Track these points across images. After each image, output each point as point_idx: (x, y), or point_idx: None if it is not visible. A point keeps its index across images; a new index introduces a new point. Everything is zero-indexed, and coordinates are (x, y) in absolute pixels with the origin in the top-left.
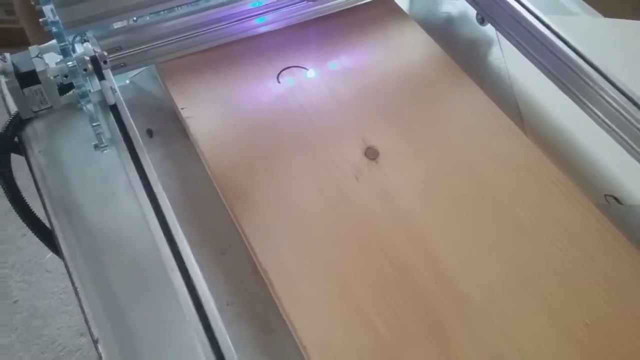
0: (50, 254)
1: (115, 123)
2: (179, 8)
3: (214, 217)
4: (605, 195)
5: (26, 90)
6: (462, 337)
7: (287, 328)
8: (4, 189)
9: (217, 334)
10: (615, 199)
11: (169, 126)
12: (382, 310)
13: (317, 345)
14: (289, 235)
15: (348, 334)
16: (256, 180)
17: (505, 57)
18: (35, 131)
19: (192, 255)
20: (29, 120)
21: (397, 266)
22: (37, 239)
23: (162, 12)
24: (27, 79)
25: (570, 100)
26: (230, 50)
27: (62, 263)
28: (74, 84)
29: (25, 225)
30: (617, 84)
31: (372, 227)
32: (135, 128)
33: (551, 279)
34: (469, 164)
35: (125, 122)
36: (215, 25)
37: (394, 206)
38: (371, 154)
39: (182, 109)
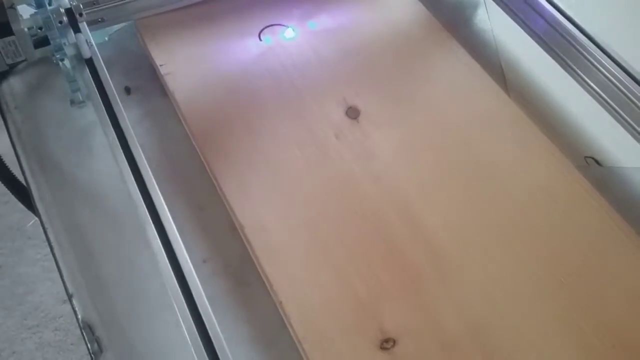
0: (32, 221)
1: (91, 78)
2: None
3: (192, 175)
4: (585, 157)
5: None
6: (438, 292)
7: (263, 283)
8: None
9: (192, 288)
10: (595, 160)
11: (147, 84)
12: (358, 266)
13: (292, 300)
14: (267, 191)
15: (324, 289)
16: (235, 138)
17: (491, 18)
18: (10, 87)
19: (167, 211)
20: (4, 75)
21: (374, 223)
22: (19, 206)
23: None
24: (0, 30)
25: (553, 62)
26: (211, 8)
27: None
28: (49, 37)
29: (7, 192)
30: (604, 46)
31: (350, 185)
32: (111, 83)
33: (529, 237)
34: (450, 123)
35: (102, 77)
36: None
37: (373, 165)
38: (352, 113)
39: (160, 65)
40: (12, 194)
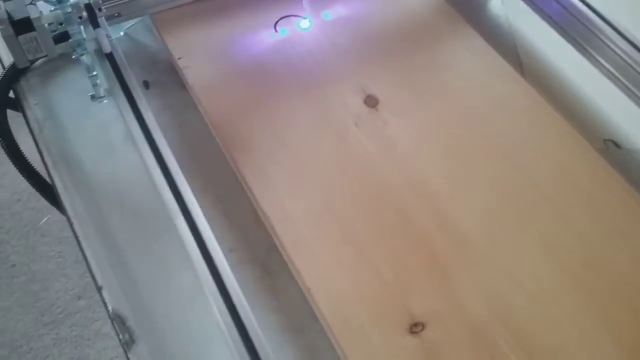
0: (45, 218)
1: (112, 72)
2: None
3: (213, 167)
4: (604, 139)
5: (21, 38)
6: (464, 277)
7: (289, 272)
8: (1, 145)
9: (224, 277)
10: (614, 143)
11: (165, 78)
12: (384, 253)
13: (320, 287)
14: (290, 180)
15: (350, 276)
16: (255, 128)
17: (504, 3)
18: (29, 84)
19: (195, 201)
20: (23, 72)
21: (398, 210)
22: (32, 204)
23: None
24: (21, 26)
25: (568, 45)
26: (226, 1)
27: (58, 227)
28: (69, 32)
29: (20, 190)
30: (619, 28)
31: (372, 173)
32: (132, 76)
33: (552, 220)
34: (468, 108)
35: (123, 71)
36: None
37: (393, 152)
38: (371, 101)
39: (179, 59)
40: (37, 190)
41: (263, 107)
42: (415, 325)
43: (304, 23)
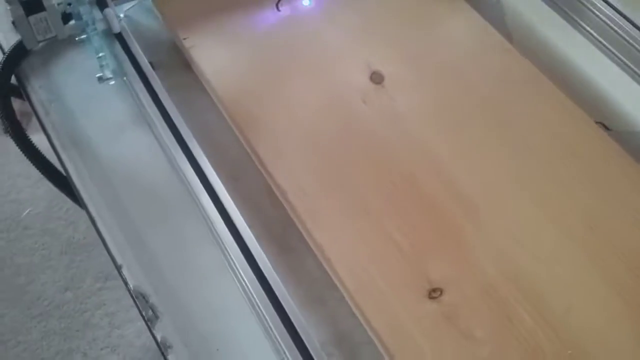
0: (27, 211)
1: (122, 52)
2: None
3: (223, 146)
4: (595, 122)
5: (31, 18)
6: (475, 241)
7: (307, 247)
8: (6, 128)
9: (252, 250)
10: (604, 125)
11: (169, 59)
12: (398, 222)
13: (339, 258)
14: (303, 157)
15: (368, 245)
16: (264, 106)
17: None
18: (32, 66)
19: (217, 177)
20: (24, 55)
21: (408, 181)
22: (10, 197)
23: None
24: (32, 6)
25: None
26: None
27: (40, 219)
28: (79, 12)
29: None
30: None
31: (383, 147)
32: (143, 56)
33: (554, 187)
34: (468, 82)
35: (133, 50)
36: None
37: (402, 126)
38: (377, 78)
39: (184, 39)
40: (46, 177)
41: (271, 86)
42: (434, 290)
43: (305, 1)
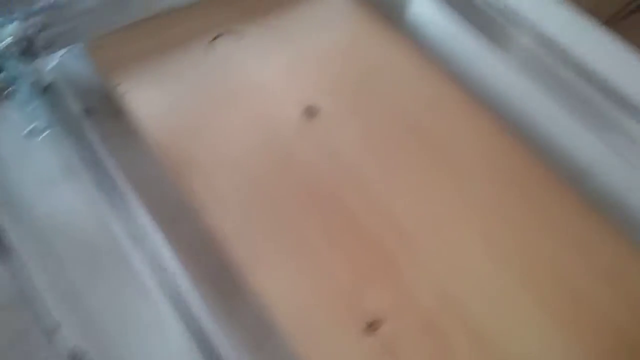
0: None
1: (54, 102)
2: None
3: (161, 190)
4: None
5: None
6: (412, 272)
7: (243, 289)
8: None
9: (187, 298)
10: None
11: (104, 104)
12: (337, 257)
13: (277, 300)
14: (239, 197)
15: (307, 283)
16: (199, 147)
17: (427, 7)
18: None
19: (153, 224)
20: None
21: (347, 214)
22: None
23: None
24: None
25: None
26: (160, 22)
27: None
28: (5, 67)
29: None
30: (528, 22)
31: (319, 181)
32: (74, 105)
33: (486, 210)
34: (404, 112)
35: (66, 100)
36: None
37: (337, 158)
38: (311, 111)
39: (117, 85)
40: None
41: (205, 127)
42: (372, 323)
43: (239, 39)
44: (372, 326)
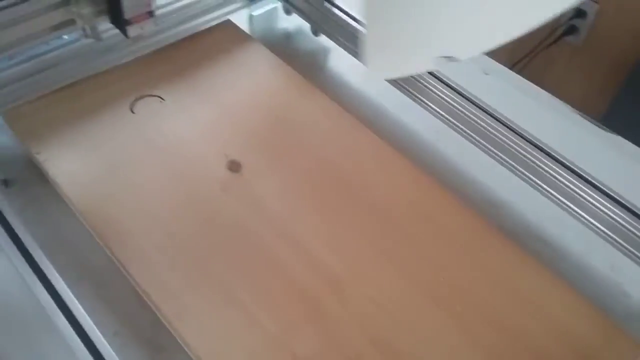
0: None
1: None
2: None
3: (87, 254)
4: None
5: None
6: (339, 314)
7: (177, 344)
8: None
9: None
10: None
11: (26, 173)
12: (264, 306)
13: (209, 354)
14: (166, 255)
15: (236, 336)
16: (123, 210)
17: (340, 61)
18: None
19: (71, 293)
20: None
21: (274, 264)
22: None
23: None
24: None
25: (401, 94)
26: (79, 88)
27: None
28: None
29: None
30: (435, 72)
31: (245, 234)
32: None
33: (407, 248)
34: (324, 161)
35: None
36: (60, 66)
37: (262, 211)
38: (234, 167)
39: (37, 153)
40: None
41: (128, 189)
42: None
43: (160, 102)
44: None
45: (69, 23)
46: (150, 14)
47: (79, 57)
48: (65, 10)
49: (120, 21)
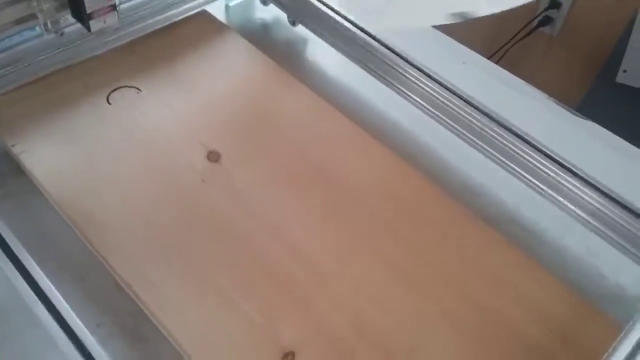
0: None
1: None
2: None
3: (66, 247)
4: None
5: None
6: (323, 301)
7: (161, 335)
8: None
9: (94, 354)
10: None
11: (2, 166)
12: (247, 295)
13: (193, 343)
14: (146, 246)
15: (221, 325)
16: (102, 201)
17: (318, 51)
18: None
19: (51, 284)
20: None
21: (256, 253)
22: None
23: None
24: None
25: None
26: (55, 79)
27: None
28: None
29: None
30: (413, 62)
31: (226, 223)
32: None
33: (387, 236)
34: (302, 150)
35: None
36: (35, 57)
37: (242, 200)
38: (213, 157)
39: (12, 145)
40: None
41: (107, 180)
42: (286, 355)
43: (137, 92)
44: (286, 357)
45: (31, 18)
46: (113, 7)
47: (51, 49)
48: (26, 5)
49: (81, 16)
